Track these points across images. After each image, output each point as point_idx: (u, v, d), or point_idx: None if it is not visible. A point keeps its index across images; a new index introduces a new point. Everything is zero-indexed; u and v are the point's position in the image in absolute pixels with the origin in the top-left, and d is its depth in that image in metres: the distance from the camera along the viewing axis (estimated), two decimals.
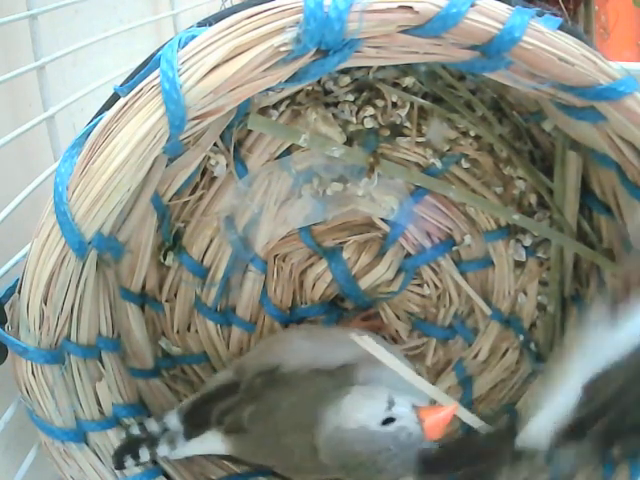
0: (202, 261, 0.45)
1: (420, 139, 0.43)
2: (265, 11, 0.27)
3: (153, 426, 0.38)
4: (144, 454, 0.37)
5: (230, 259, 0.45)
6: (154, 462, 0.39)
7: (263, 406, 0.37)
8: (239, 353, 0.47)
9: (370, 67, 0.41)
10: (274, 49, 0.27)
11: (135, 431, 0.38)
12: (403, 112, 0.42)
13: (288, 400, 0.37)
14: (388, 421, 0.34)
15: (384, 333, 0.48)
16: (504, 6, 0.28)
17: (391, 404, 0.35)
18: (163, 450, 0.37)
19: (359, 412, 0.34)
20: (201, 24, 0.29)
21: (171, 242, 0.44)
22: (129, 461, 0.37)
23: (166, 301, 0.45)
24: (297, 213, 0.44)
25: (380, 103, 0.42)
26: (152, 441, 0.37)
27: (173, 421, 0.38)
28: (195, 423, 0.38)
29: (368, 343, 0.37)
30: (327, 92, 0.42)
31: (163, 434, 0.38)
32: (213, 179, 0.43)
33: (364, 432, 0.34)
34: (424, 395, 0.38)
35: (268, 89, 0.29)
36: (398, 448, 0.33)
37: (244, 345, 0.47)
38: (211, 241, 0.44)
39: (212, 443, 0.38)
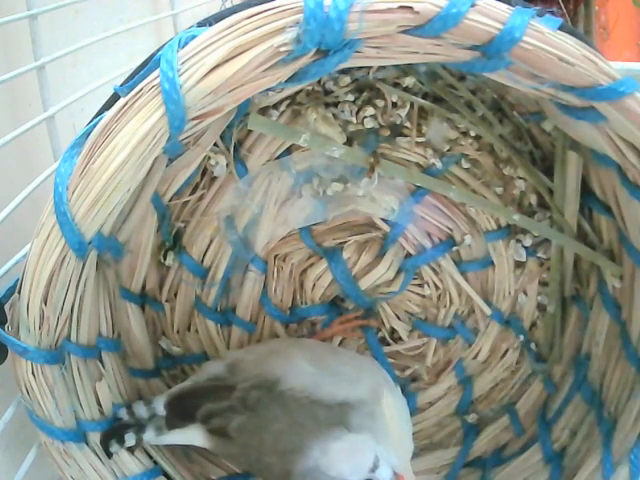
0: (202, 261, 0.45)
1: (420, 139, 0.43)
2: (265, 11, 0.27)
3: (141, 410, 0.38)
4: (130, 439, 0.37)
5: (230, 259, 0.45)
6: (154, 462, 0.39)
7: (253, 421, 0.37)
8: None
9: (370, 67, 0.41)
10: (274, 49, 0.27)
11: (123, 415, 0.37)
12: (403, 112, 0.42)
13: (279, 423, 0.37)
14: None
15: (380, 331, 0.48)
16: (504, 6, 0.28)
17: (375, 466, 0.36)
18: (149, 436, 0.37)
19: (344, 464, 0.35)
20: (201, 24, 0.29)
21: (171, 242, 0.44)
22: (114, 446, 0.36)
23: (166, 301, 0.45)
24: (298, 213, 0.44)
25: (380, 103, 0.42)
26: (139, 427, 0.37)
27: (161, 407, 0.38)
28: (179, 414, 0.38)
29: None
30: (327, 92, 0.42)
31: (151, 420, 0.38)
32: (213, 179, 0.43)
33: None
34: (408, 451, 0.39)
35: (268, 89, 0.29)
36: None
37: (244, 345, 0.47)
38: (211, 241, 0.44)
39: (194, 436, 0.38)
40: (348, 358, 0.42)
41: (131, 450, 0.38)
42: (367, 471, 0.35)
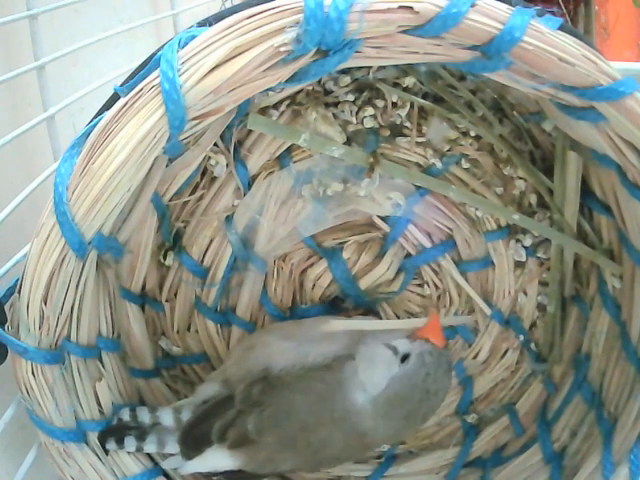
0: (202, 261, 0.45)
1: (420, 139, 0.43)
2: (265, 11, 0.27)
3: (144, 416, 0.38)
4: (130, 444, 0.37)
5: (230, 259, 0.45)
6: (154, 462, 0.39)
7: (268, 413, 0.37)
8: None
9: (370, 67, 0.41)
10: (274, 49, 0.27)
11: (125, 417, 0.37)
12: (403, 112, 0.42)
13: (296, 400, 0.37)
14: (404, 359, 0.37)
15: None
16: (504, 6, 0.28)
17: (393, 348, 0.38)
18: (151, 448, 0.37)
19: (379, 373, 0.37)
20: (201, 24, 0.29)
21: (171, 242, 0.44)
22: (112, 445, 0.36)
23: (166, 301, 0.45)
24: (306, 221, 0.44)
25: (380, 103, 0.42)
26: (141, 433, 0.37)
27: (166, 417, 0.38)
28: (193, 444, 0.37)
29: (337, 324, 0.39)
30: (327, 92, 0.42)
31: (153, 428, 0.37)
32: (213, 179, 0.43)
33: (398, 381, 0.37)
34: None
35: (268, 89, 0.29)
36: (432, 368, 0.37)
37: None
38: (211, 241, 0.44)
39: (217, 460, 0.38)
40: (310, 322, 0.44)
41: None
42: (393, 356, 0.38)
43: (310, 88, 0.41)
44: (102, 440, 0.36)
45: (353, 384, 0.37)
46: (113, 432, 0.37)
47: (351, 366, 0.38)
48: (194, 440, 0.37)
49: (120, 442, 0.37)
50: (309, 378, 0.38)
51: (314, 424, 0.37)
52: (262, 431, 0.37)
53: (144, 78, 0.28)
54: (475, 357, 0.48)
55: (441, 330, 0.39)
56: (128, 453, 0.38)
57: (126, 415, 0.38)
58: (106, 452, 0.37)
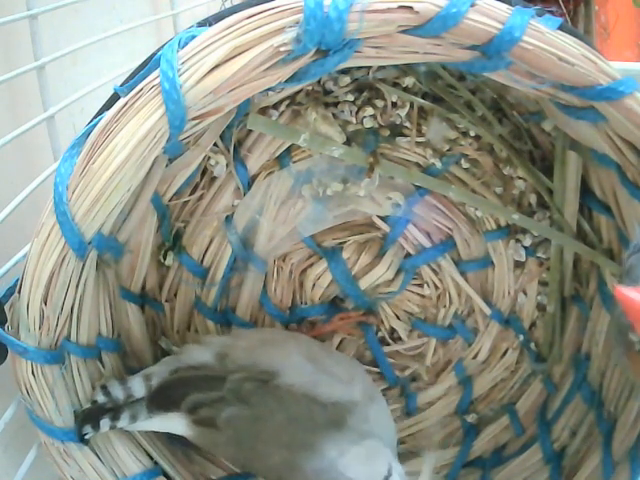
0: (202, 261, 0.45)
1: (420, 139, 0.43)
2: (265, 11, 0.27)
3: (117, 391, 0.37)
4: (105, 425, 0.36)
5: (230, 259, 0.45)
6: (154, 462, 0.39)
7: (246, 413, 0.37)
8: None
9: (370, 67, 0.41)
10: (274, 49, 0.27)
11: (99, 398, 0.36)
12: (403, 112, 0.42)
13: (277, 416, 0.37)
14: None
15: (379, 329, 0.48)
16: (504, 6, 0.28)
17: (389, 474, 0.36)
18: (123, 423, 0.36)
19: (363, 466, 0.36)
20: (201, 24, 0.29)
21: (171, 242, 0.44)
22: (89, 431, 0.35)
23: (166, 301, 0.45)
24: (305, 222, 0.44)
25: (380, 103, 0.42)
26: (115, 412, 0.36)
27: (137, 387, 0.37)
28: (162, 402, 0.37)
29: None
30: (327, 92, 0.42)
31: (127, 404, 0.36)
32: (213, 179, 0.43)
33: None
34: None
35: (268, 89, 0.29)
36: None
37: None
38: (211, 241, 0.44)
39: (175, 425, 0.37)
40: (341, 358, 0.43)
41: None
42: (382, 478, 0.36)
43: (310, 88, 0.41)
44: (80, 428, 0.35)
45: (340, 442, 0.36)
46: (90, 418, 0.35)
47: (342, 420, 0.37)
48: (165, 399, 0.37)
49: (96, 426, 0.36)
50: (302, 406, 0.37)
51: (276, 441, 0.37)
52: (230, 423, 0.37)
53: (144, 78, 0.28)
54: (475, 357, 0.48)
55: None
56: (128, 453, 0.37)
57: (100, 396, 0.36)
58: (84, 442, 0.35)
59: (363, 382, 0.40)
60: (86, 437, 0.35)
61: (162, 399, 0.37)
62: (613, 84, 0.29)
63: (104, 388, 0.37)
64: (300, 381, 0.38)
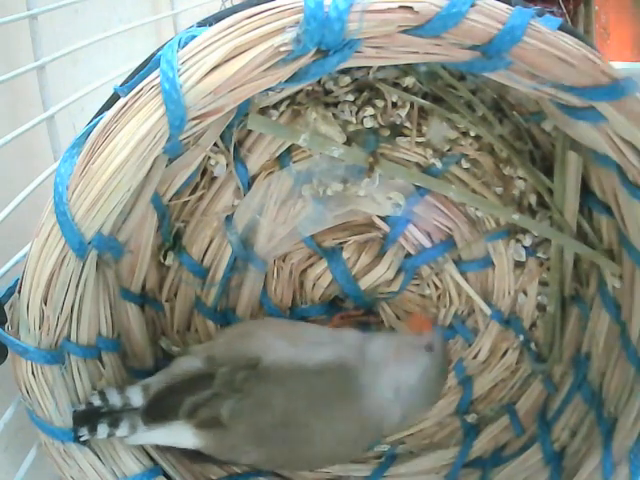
0: (202, 261, 0.45)
1: (420, 139, 0.43)
2: (265, 11, 0.27)
3: (114, 398, 0.36)
4: (102, 431, 0.35)
5: (230, 259, 0.45)
6: (154, 462, 0.39)
7: (247, 402, 0.37)
8: None
9: (370, 67, 0.41)
10: (274, 49, 0.27)
11: (95, 401, 0.36)
12: (403, 112, 0.42)
13: (278, 394, 0.37)
14: (429, 349, 0.41)
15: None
16: (504, 6, 0.28)
17: (415, 344, 0.41)
18: (123, 432, 0.36)
19: (410, 368, 0.40)
20: (201, 24, 0.29)
21: (171, 242, 0.44)
22: (85, 432, 0.35)
23: (166, 301, 0.45)
24: (305, 221, 0.44)
25: (380, 103, 0.42)
26: (113, 419, 0.36)
27: (135, 396, 0.37)
28: (159, 413, 0.36)
29: None
30: (327, 92, 0.42)
31: (125, 412, 0.36)
32: (213, 179, 0.43)
33: (431, 369, 0.41)
34: None
35: (268, 89, 0.29)
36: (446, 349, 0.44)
37: None
38: (211, 241, 0.44)
39: (180, 436, 0.37)
40: (307, 326, 0.44)
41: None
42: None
43: (310, 88, 0.41)
44: (76, 429, 0.35)
45: (367, 385, 0.39)
46: (85, 419, 0.35)
47: (359, 370, 0.39)
48: (160, 410, 0.36)
49: (93, 430, 0.35)
50: (307, 378, 0.38)
51: (301, 422, 0.38)
52: (235, 418, 0.37)
53: (144, 78, 0.28)
54: (475, 357, 0.48)
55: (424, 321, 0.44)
56: (128, 453, 0.37)
57: (96, 399, 0.36)
58: (79, 440, 0.35)
59: (345, 337, 0.42)
60: (82, 439, 0.35)
61: (157, 410, 0.37)
62: (613, 84, 0.29)
63: (102, 393, 0.36)
64: (282, 356, 0.39)
